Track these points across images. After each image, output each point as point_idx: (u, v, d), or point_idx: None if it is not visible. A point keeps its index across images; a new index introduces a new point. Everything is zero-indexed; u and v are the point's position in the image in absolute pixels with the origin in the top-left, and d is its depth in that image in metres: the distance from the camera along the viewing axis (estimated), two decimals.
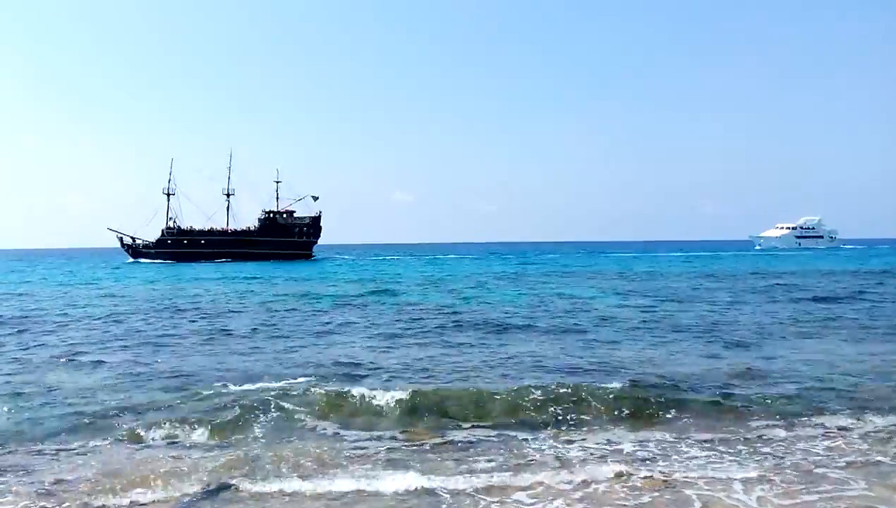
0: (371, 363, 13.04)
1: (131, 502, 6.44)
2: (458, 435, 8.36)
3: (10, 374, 12.34)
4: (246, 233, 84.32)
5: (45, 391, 10.87)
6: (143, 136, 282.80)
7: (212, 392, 10.46)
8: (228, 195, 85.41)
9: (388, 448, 7.89)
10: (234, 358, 13.80)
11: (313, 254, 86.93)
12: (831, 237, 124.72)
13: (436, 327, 18.20)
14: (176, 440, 8.30)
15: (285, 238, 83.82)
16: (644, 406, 9.34)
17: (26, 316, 21.98)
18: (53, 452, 7.88)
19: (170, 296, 29.69)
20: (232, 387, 10.73)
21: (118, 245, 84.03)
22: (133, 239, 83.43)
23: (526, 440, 8.14)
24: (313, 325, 19.08)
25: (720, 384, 10.89)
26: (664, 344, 15.09)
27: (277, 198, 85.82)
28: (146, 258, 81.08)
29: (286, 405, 9.50)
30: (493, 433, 8.46)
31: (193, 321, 20.58)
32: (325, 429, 8.72)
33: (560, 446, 7.95)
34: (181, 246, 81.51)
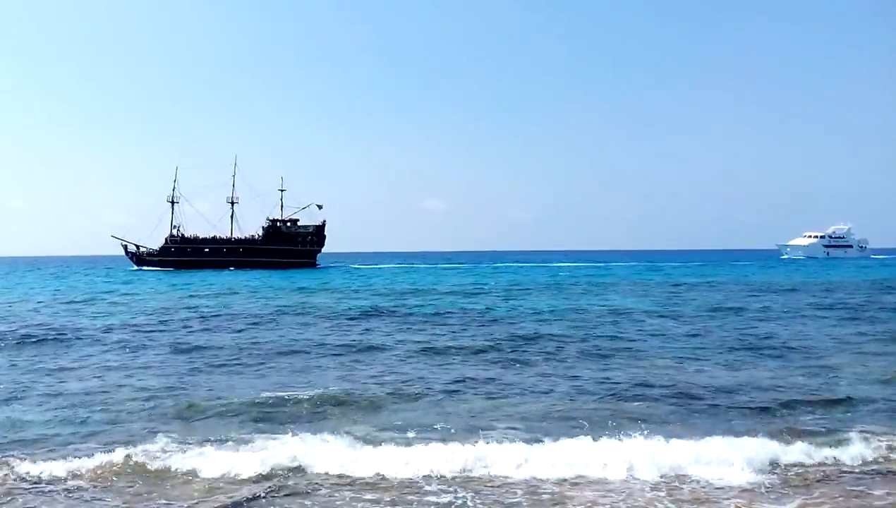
0: None
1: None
2: None
3: (39, 381, 12.61)
4: (249, 241, 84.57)
5: (90, 392, 11.32)
6: (147, 144, 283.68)
7: (248, 400, 10.69)
8: (233, 203, 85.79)
9: None
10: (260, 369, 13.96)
11: (317, 262, 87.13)
12: (861, 247, 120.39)
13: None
14: (210, 449, 8.40)
15: (289, 246, 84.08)
16: None
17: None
18: (91, 454, 8.04)
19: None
20: (265, 394, 10.96)
21: (122, 252, 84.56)
22: (137, 247, 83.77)
23: None
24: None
25: None
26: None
27: (282, 207, 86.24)
28: (150, 266, 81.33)
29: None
30: None
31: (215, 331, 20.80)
32: None
33: None
34: (184, 254, 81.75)
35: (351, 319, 23.76)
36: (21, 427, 9.37)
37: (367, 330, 20.64)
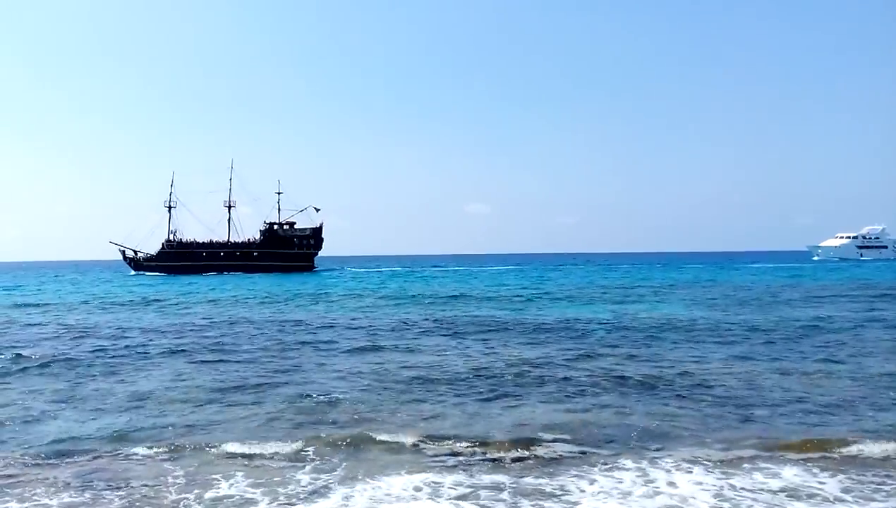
0: None
1: None
2: None
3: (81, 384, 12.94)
4: (246, 245, 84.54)
5: (130, 399, 11.49)
6: (144, 150, 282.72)
7: (287, 402, 10.90)
8: (230, 207, 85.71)
9: None
10: (295, 374, 14.03)
11: (315, 265, 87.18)
12: None
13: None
14: (258, 451, 8.60)
15: (286, 250, 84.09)
16: None
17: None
18: (140, 458, 8.29)
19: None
20: (313, 399, 11.19)
21: (116, 258, 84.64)
22: (135, 252, 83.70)
23: None
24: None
25: None
26: None
27: (279, 210, 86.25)
28: (147, 271, 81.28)
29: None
30: None
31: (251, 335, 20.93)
32: None
33: None
34: (181, 258, 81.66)
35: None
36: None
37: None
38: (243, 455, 8.40)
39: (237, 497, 7.09)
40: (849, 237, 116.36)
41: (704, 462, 7.98)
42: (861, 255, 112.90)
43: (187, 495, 7.12)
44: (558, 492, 7.10)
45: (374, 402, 11.19)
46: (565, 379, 12.97)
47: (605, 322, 22.98)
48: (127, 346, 18.20)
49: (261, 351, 17.18)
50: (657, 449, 8.52)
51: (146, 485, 7.41)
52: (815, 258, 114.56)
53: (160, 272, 79.73)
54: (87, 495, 7.17)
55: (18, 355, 16.28)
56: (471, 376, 13.40)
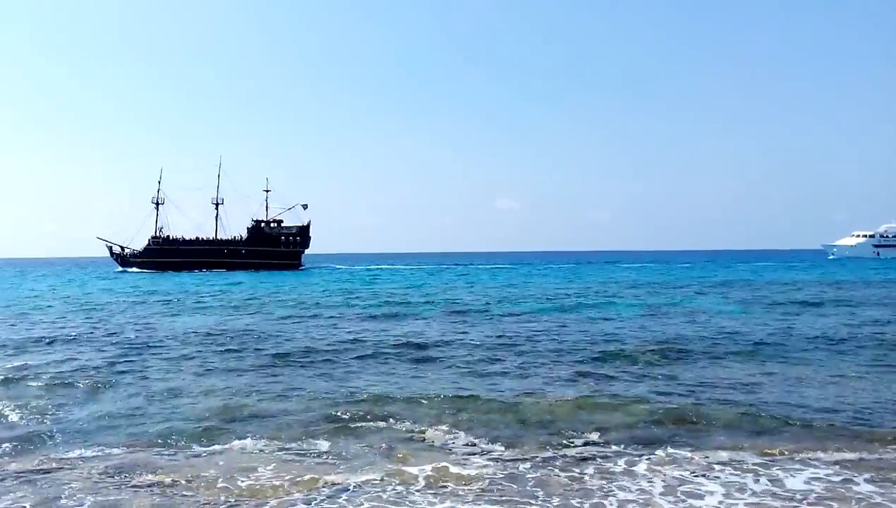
0: None
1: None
2: None
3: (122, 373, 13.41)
4: (233, 242, 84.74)
5: (161, 392, 11.77)
6: (132, 145, 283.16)
7: (324, 401, 10.99)
8: (217, 205, 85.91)
9: None
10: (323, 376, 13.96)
11: (302, 263, 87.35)
12: None
13: None
14: (294, 447, 8.73)
15: (272, 247, 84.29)
16: None
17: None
18: (171, 454, 8.44)
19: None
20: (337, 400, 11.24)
21: (107, 254, 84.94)
22: (122, 248, 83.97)
23: None
24: None
25: None
26: None
27: (267, 208, 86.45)
28: (134, 267, 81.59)
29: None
30: None
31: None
32: None
33: None
34: (168, 255, 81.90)
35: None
36: None
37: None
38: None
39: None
40: (865, 235, 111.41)
41: None
42: (878, 254, 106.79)
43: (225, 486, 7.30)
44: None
45: None
46: None
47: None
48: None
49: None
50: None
51: (177, 482, 7.55)
52: (831, 257, 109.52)
53: (146, 268, 79.93)
54: (123, 490, 7.32)
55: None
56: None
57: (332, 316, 25.19)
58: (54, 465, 8.04)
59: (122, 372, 14.10)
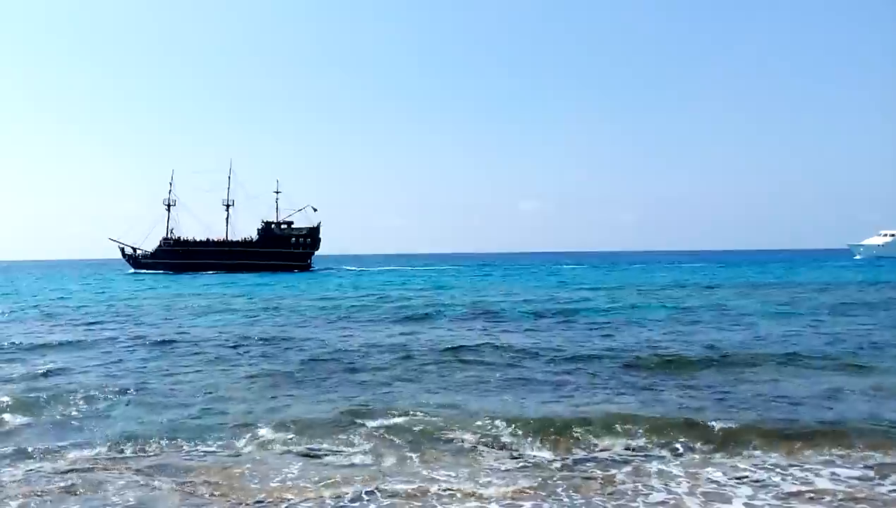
0: None
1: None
2: None
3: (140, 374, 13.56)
4: (242, 243, 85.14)
5: (193, 394, 11.86)
6: (144, 148, 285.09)
7: (354, 405, 10.98)
8: (228, 206, 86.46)
9: None
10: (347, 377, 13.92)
11: (312, 264, 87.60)
12: None
13: None
14: (323, 449, 8.78)
15: (282, 249, 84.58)
16: None
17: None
18: (202, 454, 8.51)
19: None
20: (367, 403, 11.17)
21: (113, 256, 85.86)
22: (134, 249, 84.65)
23: None
24: None
25: None
26: None
27: (277, 209, 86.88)
28: (146, 269, 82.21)
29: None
30: None
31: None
32: None
33: None
34: (178, 256, 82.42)
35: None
36: None
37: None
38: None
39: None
40: (892, 235, 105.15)
41: None
42: None
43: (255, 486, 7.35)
44: None
45: None
46: None
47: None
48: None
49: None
50: None
51: (208, 482, 7.61)
52: (857, 257, 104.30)
53: (158, 270, 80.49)
54: (155, 490, 7.39)
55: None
56: None
57: (360, 319, 24.99)
58: (87, 465, 8.11)
59: (152, 372, 14.22)
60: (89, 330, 22.37)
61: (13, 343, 18.56)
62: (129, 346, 18.09)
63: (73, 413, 10.66)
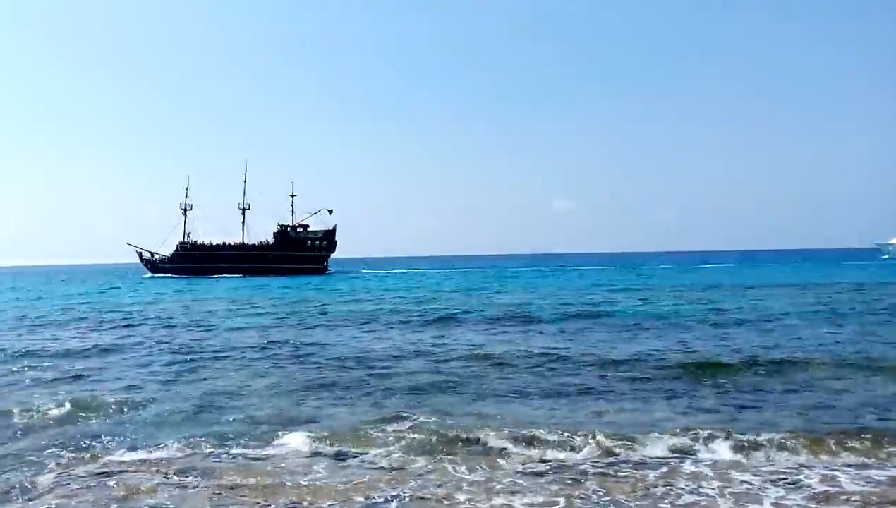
0: None
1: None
2: None
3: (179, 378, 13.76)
4: (258, 247, 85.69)
5: (223, 397, 12.01)
6: (160, 152, 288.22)
7: (383, 409, 11.00)
8: (244, 210, 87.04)
9: None
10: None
11: (328, 267, 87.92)
12: None
13: None
14: (352, 451, 8.83)
15: (298, 252, 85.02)
16: None
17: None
18: (232, 456, 8.59)
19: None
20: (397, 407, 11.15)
21: (137, 260, 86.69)
22: (152, 254, 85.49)
23: None
24: None
25: None
26: None
27: (293, 212, 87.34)
28: (163, 273, 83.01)
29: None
30: None
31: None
32: None
33: None
34: (195, 260, 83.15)
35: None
36: None
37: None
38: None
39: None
40: None
41: None
42: None
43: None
44: None
45: None
46: None
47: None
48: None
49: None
50: None
51: (239, 483, 7.68)
52: (885, 257, 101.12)
53: (174, 274, 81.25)
54: (185, 491, 7.47)
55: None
56: None
57: (388, 322, 24.77)
58: (115, 468, 8.20)
59: (182, 374, 14.42)
60: (117, 333, 22.67)
61: (45, 349, 18.66)
62: (157, 350, 18.30)
63: (105, 415, 10.80)
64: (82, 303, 38.47)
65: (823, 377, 13.10)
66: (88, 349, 18.64)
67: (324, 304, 34.42)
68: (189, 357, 16.99)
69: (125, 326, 25.04)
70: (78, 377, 14.27)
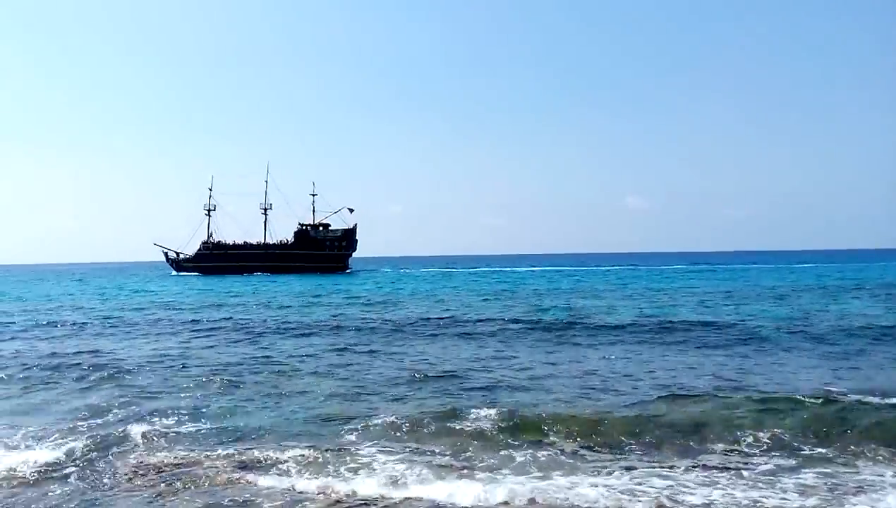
0: None
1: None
2: None
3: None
4: (280, 246, 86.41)
5: (286, 396, 12.13)
6: (183, 155, 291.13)
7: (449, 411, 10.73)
8: (266, 210, 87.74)
9: None
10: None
11: (349, 266, 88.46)
12: None
13: None
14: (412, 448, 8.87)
15: (318, 251, 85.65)
16: None
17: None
18: (298, 453, 8.60)
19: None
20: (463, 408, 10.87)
21: (163, 259, 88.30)
22: (177, 253, 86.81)
23: None
24: None
25: None
26: None
27: (314, 212, 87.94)
28: (187, 271, 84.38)
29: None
30: None
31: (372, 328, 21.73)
32: None
33: None
34: (218, 259, 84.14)
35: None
36: None
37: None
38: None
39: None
40: None
41: None
42: None
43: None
44: None
45: None
46: None
47: None
48: None
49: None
50: None
51: (300, 478, 7.80)
52: None
53: (198, 272, 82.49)
54: (248, 487, 7.58)
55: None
56: None
57: (438, 325, 23.54)
58: (183, 461, 8.35)
59: (244, 372, 14.58)
60: (160, 334, 22.79)
61: (92, 351, 18.27)
62: (210, 347, 18.63)
63: (165, 410, 10.94)
64: (136, 299, 39.03)
65: None
66: (153, 344, 19.06)
67: (363, 311, 33.66)
68: (252, 353, 17.19)
69: (195, 320, 25.68)
70: (142, 369, 14.82)
